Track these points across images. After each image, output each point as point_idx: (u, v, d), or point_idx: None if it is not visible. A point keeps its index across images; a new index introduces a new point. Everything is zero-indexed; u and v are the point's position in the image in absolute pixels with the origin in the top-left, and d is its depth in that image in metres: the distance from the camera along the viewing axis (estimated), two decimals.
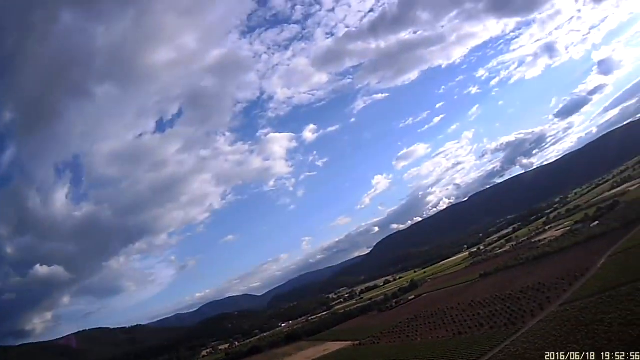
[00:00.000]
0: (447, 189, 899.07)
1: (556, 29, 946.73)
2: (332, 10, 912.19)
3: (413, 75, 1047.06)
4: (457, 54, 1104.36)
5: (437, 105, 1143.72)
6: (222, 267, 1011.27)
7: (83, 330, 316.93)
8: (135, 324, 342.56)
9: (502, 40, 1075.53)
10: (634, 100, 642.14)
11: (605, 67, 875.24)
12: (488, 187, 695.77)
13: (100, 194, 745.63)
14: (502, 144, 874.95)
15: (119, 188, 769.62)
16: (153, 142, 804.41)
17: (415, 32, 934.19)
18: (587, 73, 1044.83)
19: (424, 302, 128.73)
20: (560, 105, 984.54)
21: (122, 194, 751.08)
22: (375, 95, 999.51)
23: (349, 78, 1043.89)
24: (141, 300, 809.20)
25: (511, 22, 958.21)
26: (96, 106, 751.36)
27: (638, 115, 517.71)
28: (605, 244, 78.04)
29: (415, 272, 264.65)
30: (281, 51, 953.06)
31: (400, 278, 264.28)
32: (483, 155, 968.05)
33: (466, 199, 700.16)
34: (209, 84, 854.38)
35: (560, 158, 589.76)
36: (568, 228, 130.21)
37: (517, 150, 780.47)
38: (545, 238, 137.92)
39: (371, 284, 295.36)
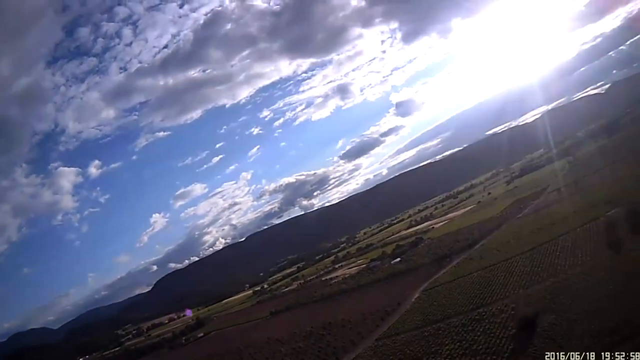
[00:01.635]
0: (224, 229, 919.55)
1: (353, 70, 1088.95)
2: (130, 44, 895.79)
3: (196, 114, 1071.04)
4: (244, 93, 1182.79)
5: (217, 145, 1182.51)
6: (22, 298, 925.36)
7: None
8: None
9: (292, 81, 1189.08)
10: (434, 142, 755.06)
11: (403, 109, 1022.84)
12: (266, 227, 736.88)
13: None
14: (282, 185, 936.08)
15: None
16: None
17: (204, 71, 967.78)
18: (381, 115, 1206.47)
19: (216, 340, 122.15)
20: (348, 147, 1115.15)
21: None
22: (158, 133, 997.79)
23: (134, 115, 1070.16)
24: None
25: (305, 63, 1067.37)
26: None
27: (438, 157, 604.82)
28: (415, 279, 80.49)
29: (198, 309, 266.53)
30: (78, 84, 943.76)
31: (183, 316, 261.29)
32: (261, 196, 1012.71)
33: (243, 239, 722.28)
34: (12, 113, 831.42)
35: (345, 199, 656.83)
36: (364, 265, 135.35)
37: (297, 191, 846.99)
38: (337, 276, 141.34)
39: (156, 321, 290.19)
